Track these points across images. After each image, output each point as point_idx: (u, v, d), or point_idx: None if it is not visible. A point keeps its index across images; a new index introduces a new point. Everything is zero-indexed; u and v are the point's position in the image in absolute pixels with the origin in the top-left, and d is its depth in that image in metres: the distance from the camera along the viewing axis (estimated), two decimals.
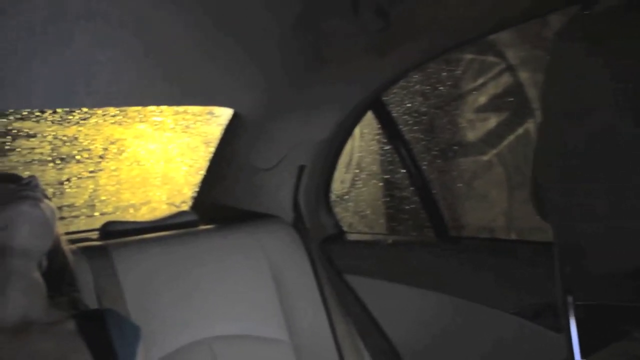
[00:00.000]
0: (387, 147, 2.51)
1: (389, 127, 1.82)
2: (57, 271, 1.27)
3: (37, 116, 2.73)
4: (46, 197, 1.20)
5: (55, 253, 1.27)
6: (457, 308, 1.67)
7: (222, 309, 1.69)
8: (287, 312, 1.79)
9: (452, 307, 1.68)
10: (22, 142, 2.83)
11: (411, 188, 1.85)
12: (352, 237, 2.14)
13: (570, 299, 0.85)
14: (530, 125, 2.86)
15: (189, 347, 1.60)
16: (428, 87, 2.77)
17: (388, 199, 2.69)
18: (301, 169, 1.95)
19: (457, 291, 1.67)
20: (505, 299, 1.54)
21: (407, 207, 2.64)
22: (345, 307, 1.90)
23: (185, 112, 2.77)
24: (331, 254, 2.02)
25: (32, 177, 1.19)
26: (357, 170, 2.65)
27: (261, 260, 1.81)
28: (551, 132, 0.93)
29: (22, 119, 2.73)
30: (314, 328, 1.81)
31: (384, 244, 1.95)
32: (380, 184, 2.68)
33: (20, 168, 2.67)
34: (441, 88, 2.86)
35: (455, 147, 3.01)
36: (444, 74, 2.84)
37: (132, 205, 3.16)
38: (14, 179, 1.23)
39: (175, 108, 2.74)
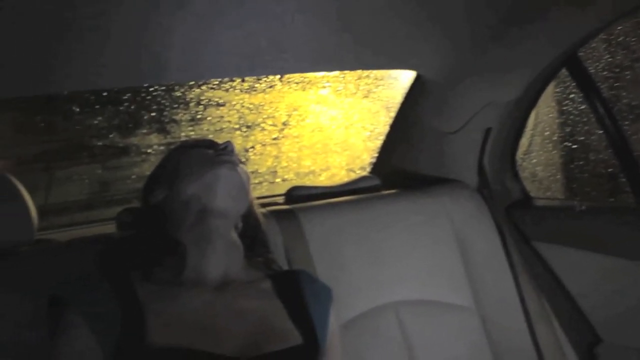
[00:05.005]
0: (581, 107, 2.35)
1: (585, 84, 1.70)
2: (251, 233, 1.33)
3: (228, 85, 2.86)
4: (240, 162, 1.25)
5: (248, 216, 1.32)
6: None
7: (407, 274, 1.70)
8: (473, 278, 1.76)
9: None
10: (212, 111, 3.00)
11: (609, 151, 1.71)
12: (539, 202, 2.03)
13: None
14: None
15: (375, 311, 1.63)
16: (634, 39, 2.54)
17: (582, 162, 2.54)
18: (487, 131, 1.88)
19: None
20: None
21: (602, 171, 2.47)
22: (535, 275, 1.84)
23: (367, 76, 2.77)
24: (518, 220, 1.95)
25: (227, 142, 1.25)
26: (547, 132, 2.52)
27: (446, 226, 1.80)
28: None
29: (213, 88, 2.88)
30: (502, 296, 1.77)
31: (576, 210, 1.83)
32: (575, 146, 2.53)
33: (211, 136, 2.83)
34: None
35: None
36: None
37: (312, 172, 3.24)
38: (212, 144, 1.29)
39: (357, 73, 2.75)
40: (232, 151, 1.25)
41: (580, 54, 1.69)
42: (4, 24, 1.13)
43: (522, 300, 1.76)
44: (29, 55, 1.29)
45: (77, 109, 2.98)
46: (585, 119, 2.40)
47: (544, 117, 2.46)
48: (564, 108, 2.43)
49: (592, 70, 1.74)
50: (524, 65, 1.70)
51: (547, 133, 2.53)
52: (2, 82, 1.41)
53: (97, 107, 2.98)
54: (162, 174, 1.30)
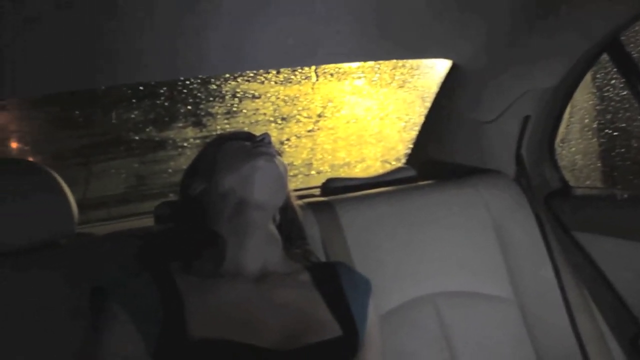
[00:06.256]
0: (623, 93, 2.29)
1: (627, 69, 1.65)
2: (288, 225, 1.32)
3: (263, 77, 2.86)
4: (278, 153, 1.25)
5: (286, 208, 1.32)
6: None
7: (445, 265, 1.69)
8: (512, 269, 1.74)
9: None
10: (248, 104, 3.00)
11: None
12: (579, 191, 2.00)
13: None
14: None
15: (413, 302, 1.62)
16: None
17: (623, 150, 2.48)
18: (525, 120, 1.85)
19: None
20: None
21: None
22: (575, 266, 1.80)
23: (402, 66, 2.75)
24: (557, 209, 1.92)
25: (265, 134, 1.25)
26: (586, 119, 2.46)
27: (483, 216, 1.78)
28: None
29: (249, 81, 2.88)
30: (541, 287, 1.74)
31: (617, 198, 1.79)
32: (615, 133, 2.47)
33: (246, 129, 2.83)
34: None
35: None
36: None
37: (347, 164, 3.23)
38: (249, 136, 1.29)
39: (392, 63, 2.73)
40: (269, 143, 1.25)
41: (622, 37, 1.64)
42: (43, 23, 1.14)
43: (563, 291, 1.73)
44: (68, 53, 1.31)
45: (114, 104, 3.02)
46: (627, 105, 2.34)
47: (583, 104, 2.41)
48: (605, 94, 2.37)
49: (635, 55, 1.69)
50: (562, 52, 1.67)
51: (587, 120, 2.47)
52: (44, 79, 1.44)
53: (134, 101, 3.01)
54: (200, 166, 1.31)
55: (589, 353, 1.65)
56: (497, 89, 1.82)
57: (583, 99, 2.38)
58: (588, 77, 1.81)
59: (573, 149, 2.37)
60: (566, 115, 1.96)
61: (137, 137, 3.18)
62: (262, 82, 2.91)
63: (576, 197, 1.98)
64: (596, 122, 2.50)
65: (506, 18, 1.56)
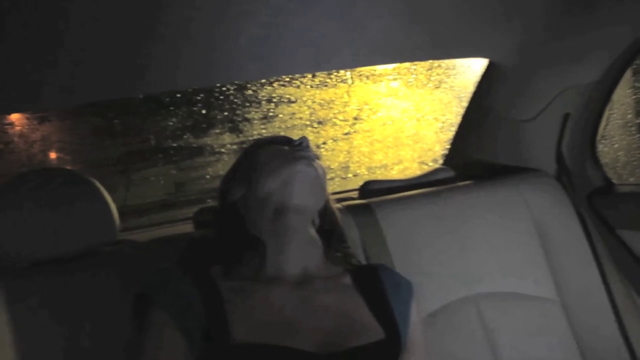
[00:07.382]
0: None
1: None
2: (328, 228, 1.32)
3: (299, 82, 2.87)
4: (317, 157, 1.24)
5: (325, 211, 1.31)
6: None
7: (487, 265, 1.68)
8: (555, 269, 1.71)
9: None
10: (284, 108, 3.01)
11: None
12: (623, 189, 1.95)
13: None
14: None
15: (455, 304, 1.60)
16: None
17: None
18: (565, 117, 1.82)
19: None
20: None
21: None
22: (621, 265, 1.75)
23: (439, 66, 2.73)
24: (600, 207, 1.87)
25: (303, 138, 1.25)
26: (629, 115, 2.42)
27: (525, 216, 1.75)
28: None
29: (284, 85, 2.89)
30: (586, 287, 1.71)
31: None
32: None
33: (282, 133, 2.84)
34: None
35: None
36: None
37: (384, 166, 3.22)
38: (287, 141, 1.29)
39: (428, 63, 2.71)
40: (307, 147, 1.25)
41: None
42: (82, 34, 1.16)
43: (609, 292, 1.70)
44: (106, 63, 1.32)
45: (152, 112, 3.05)
46: None
47: (625, 99, 2.36)
48: None
49: None
50: (602, 47, 1.64)
51: (629, 116, 2.43)
52: (84, 89, 1.46)
53: (172, 108, 3.04)
54: (238, 172, 1.31)
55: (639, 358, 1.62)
56: (536, 87, 1.80)
57: (624, 95, 2.34)
58: (628, 72, 1.77)
59: (615, 145, 2.33)
60: (607, 112, 1.92)
61: (175, 144, 3.22)
62: (298, 87, 2.91)
63: (620, 194, 1.93)
64: (639, 117, 2.45)
65: (543, 14, 1.53)
